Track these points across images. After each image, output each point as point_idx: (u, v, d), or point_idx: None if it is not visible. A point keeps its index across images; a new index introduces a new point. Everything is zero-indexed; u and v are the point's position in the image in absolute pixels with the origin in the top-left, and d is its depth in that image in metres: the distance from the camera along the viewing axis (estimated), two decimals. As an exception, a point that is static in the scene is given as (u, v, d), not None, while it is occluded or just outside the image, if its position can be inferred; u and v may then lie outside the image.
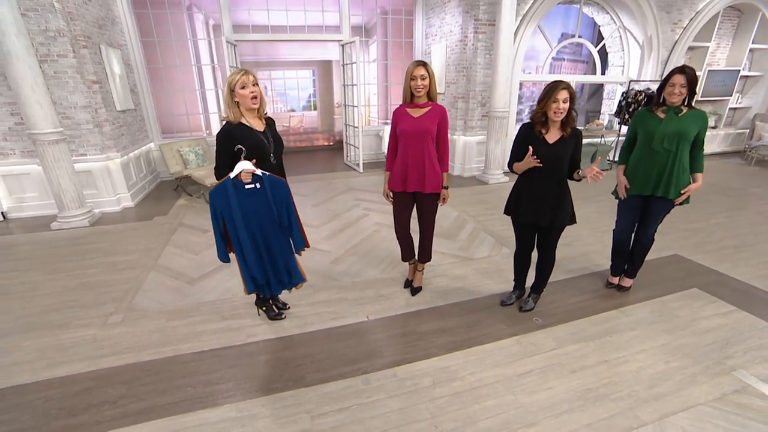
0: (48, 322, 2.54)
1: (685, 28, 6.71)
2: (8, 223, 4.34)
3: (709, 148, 7.89)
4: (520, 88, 6.59)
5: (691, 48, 7.09)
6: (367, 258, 3.42)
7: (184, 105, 6.27)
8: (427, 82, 2.29)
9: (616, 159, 2.78)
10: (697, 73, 6.83)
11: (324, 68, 11.73)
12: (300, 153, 8.77)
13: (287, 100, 13.11)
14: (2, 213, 4.41)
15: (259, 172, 2.03)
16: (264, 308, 2.56)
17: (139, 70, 5.56)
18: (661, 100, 2.38)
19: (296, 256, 2.36)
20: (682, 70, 2.23)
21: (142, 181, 5.29)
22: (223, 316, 2.57)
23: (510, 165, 2.32)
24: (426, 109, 2.36)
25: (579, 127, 2.36)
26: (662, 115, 2.37)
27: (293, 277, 2.36)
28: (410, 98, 2.35)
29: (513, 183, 2.45)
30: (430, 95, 2.34)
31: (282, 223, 2.18)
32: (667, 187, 2.41)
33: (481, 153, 6.13)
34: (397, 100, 6.72)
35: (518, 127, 2.50)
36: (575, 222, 2.32)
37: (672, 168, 2.38)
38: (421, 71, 2.27)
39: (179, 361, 2.17)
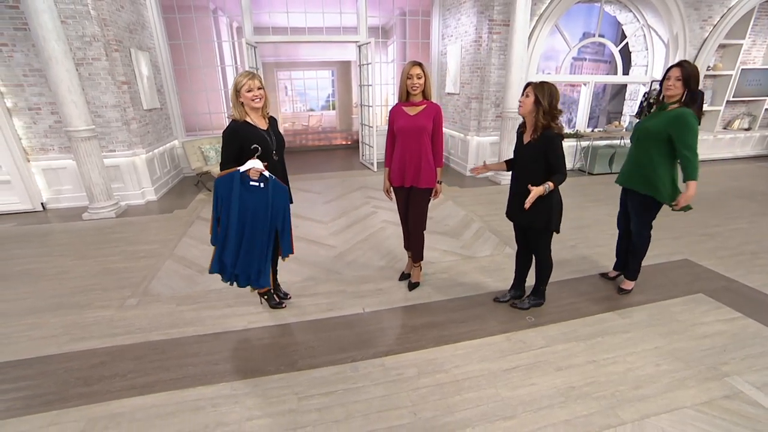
0: (74, 303, 2.79)
1: (715, 26, 6.41)
2: (47, 213, 4.73)
3: (742, 150, 7.51)
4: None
5: (722, 46, 6.77)
6: (370, 253, 3.52)
7: (207, 104, 6.58)
8: (422, 81, 2.37)
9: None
10: (729, 72, 6.64)
11: (343, 68, 11.93)
12: (318, 152, 8.98)
13: (306, 99, 13.43)
14: (42, 204, 4.81)
15: (266, 173, 2.16)
16: (266, 297, 2.70)
17: (165, 71, 5.89)
18: (661, 97, 2.41)
19: (268, 268, 2.36)
20: (680, 64, 2.25)
21: (166, 176, 5.61)
22: (228, 304, 2.74)
23: None
24: (421, 107, 2.44)
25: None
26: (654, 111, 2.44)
27: (261, 279, 2.33)
28: (406, 97, 2.44)
29: None
30: (425, 94, 2.42)
31: (275, 227, 2.28)
32: (633, 180, 2.52)
33: (495, 153, 6.10)
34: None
35: None
36: (556, 230, 2.30)
37: (641, 162, 2.46)
38: (417, 70, 2.36)
39: (184, 342, 2.34)
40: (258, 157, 2.15)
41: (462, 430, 1.75)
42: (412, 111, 2.45)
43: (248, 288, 2.54)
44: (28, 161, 4.64)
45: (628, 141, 6.48)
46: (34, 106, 4.49)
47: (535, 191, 2.05)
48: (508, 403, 1.89)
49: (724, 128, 7.47)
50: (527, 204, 2.07)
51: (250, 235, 2.23)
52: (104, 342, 2.36)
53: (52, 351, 2.29)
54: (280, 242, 2.36)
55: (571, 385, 1.99)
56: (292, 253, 2.43)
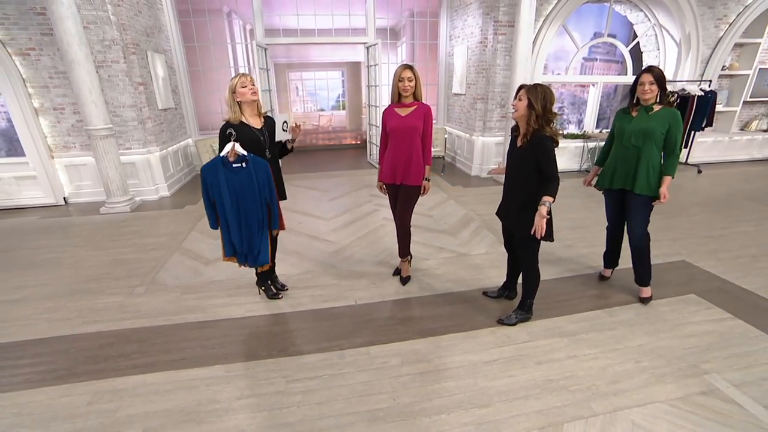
0: (88, 289, 3.00)
1: (731, 24, 6.26)
2: (68, 207, 5.02)
3: (759, 153, 7.28)
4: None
5: (738, 44, 6.59)
6: (368, 249, 3.63)
7: (220, 104, 6.81)
8: (413, 83, 2.47)
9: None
10: (746, 72, 6.48)
11: (353, 69, 12.07)
12: (328, 151, 9.15)
13: (317, 99, 13.68)
14: (64, 198, 5.11)
15: (243, 152, 2.24)
16: (264, 288, 2.84)
17: (180, 72, 6.14)
18: (635, 101, 2.51)
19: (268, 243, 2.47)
20: (648, 69, 2.37)
21: (179, 173, 5.85)
22: (229, 293, 2.89)
23: None
24: (412, 108, 2.54)
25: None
26: (635, 114, 2.50)
27: (260, 257, 2.43)
28: (398, 98, 2.54)
29: None
30: (416, 95, 2.51)
31: (265, 199, 2.37)
32: (631, 181, 2.53)
33: (500, 154, 6.12)
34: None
35: None
36: (550, 239, 2.18)
37: (637, 164, 2.49)
38: (408, 73, 2.46)
39: (185, 328, 2.50)
40: (235, 140, 2.23)
41: (437, 415, 1.83)
42: (403, 112, 2.55)
43: (252, 272, 2.67)
44: (53, 158, 4.93)
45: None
46: (59, 106, 4.77)
47: (541, 218, 2.01)
48: (484, 393, 1.96)
49: (741, 129, 7.27)
50: (539, 233, 2.03)
51: (245, 213, 2.36)
52: (113, 325, 2.54)
53: (66, 332, 2.48)
54: (270, 213, 2.42)
55: (549, 378, 2.05)
56: (281, 228, 2.52)
